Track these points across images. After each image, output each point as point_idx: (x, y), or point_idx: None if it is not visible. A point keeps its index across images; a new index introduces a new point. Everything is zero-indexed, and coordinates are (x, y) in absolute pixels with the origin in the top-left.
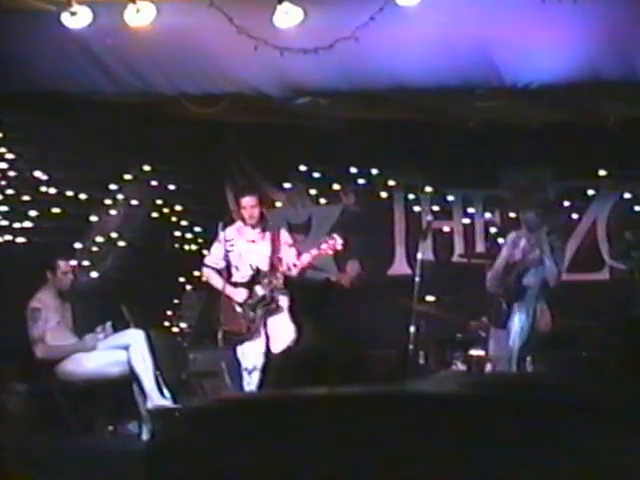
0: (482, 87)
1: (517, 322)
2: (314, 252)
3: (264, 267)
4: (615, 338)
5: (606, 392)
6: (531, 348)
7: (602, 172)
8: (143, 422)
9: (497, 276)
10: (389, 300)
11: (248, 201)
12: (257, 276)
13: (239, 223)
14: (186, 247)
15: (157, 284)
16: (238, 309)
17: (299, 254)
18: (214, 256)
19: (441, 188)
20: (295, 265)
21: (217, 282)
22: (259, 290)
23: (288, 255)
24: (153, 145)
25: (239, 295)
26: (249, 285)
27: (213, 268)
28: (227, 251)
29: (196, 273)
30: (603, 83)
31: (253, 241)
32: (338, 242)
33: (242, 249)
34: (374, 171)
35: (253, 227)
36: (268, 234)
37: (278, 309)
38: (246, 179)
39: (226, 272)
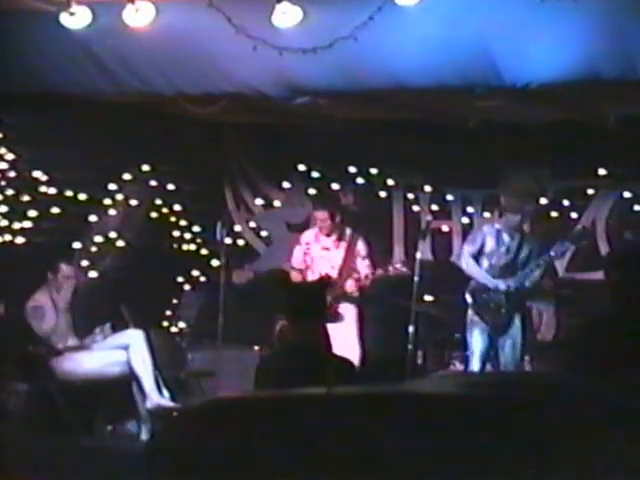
0: (481, 87)
1: (519, 326)
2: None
3: (333, 275)
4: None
5: (605, 391)
6: (535, 349)
7: (602, 171)
8: (142, 422)
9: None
10: (387, 300)
11: (320, 215)
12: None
13: (317, 229)
14: (185, 247)
15: (156, 284)
16: None
17: (373, 266)
18: (297, 257)
19: (440, 188)
20: (367, 277)
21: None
22: None
23: (362, 267)
24: (152, 145)
25: None
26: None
27: (296, 269)
28: (304, 254)
29: (195, 273)
30: (603, 82)
31: (327, 249)
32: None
33: (315, 254)
34: (373, 171)
35: (328, 235)
36: (343, 244)
37: (338, 318)
38: (245, 179)
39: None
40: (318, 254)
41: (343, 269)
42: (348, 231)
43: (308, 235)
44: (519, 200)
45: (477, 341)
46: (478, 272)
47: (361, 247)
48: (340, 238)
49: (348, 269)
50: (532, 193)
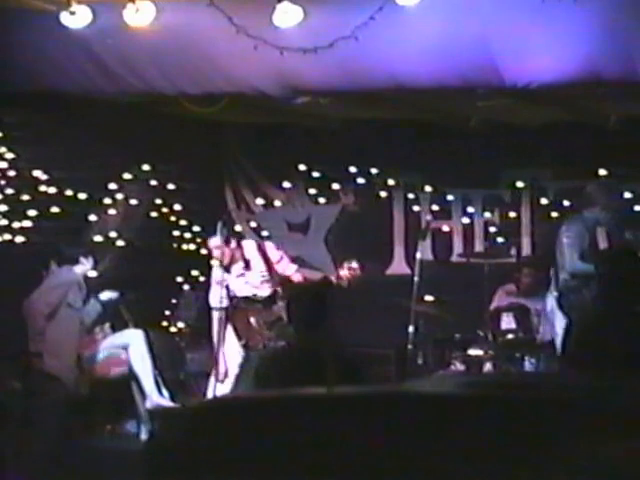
0: (482, 87)
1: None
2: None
3: (264, 290)
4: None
5: (606, 391)
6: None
7: (602, 172)
8: (142, 422)
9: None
10: (387, 300)
11: (213, 243)
12: (274, 296)
13: (217, 272)
14: (185, 247)
15: (156, 284)
16: (254, 324)
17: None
18: (215, 300)
19: (440, 188)
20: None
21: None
22: (277, 310)
23: (285, 269)
24: (152, 144)
25: (254, 312)
26: (265, 303)
27: (217, 309)
28: (227, 290)
29: (194, 273)
30: (603, 82)
31: (242, 274)
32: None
33: (236, 286)
34: (373, 171)
35: (230, 265)
36: (254, 259)
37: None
38: (245, 179)
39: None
40: (238, 286)
41: (273, 278)
42: (249, 244)
43: (217, 273)
44: (603, 195)
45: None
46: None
47: (272, 252)
48: (245, 258)
49: (276, 277)
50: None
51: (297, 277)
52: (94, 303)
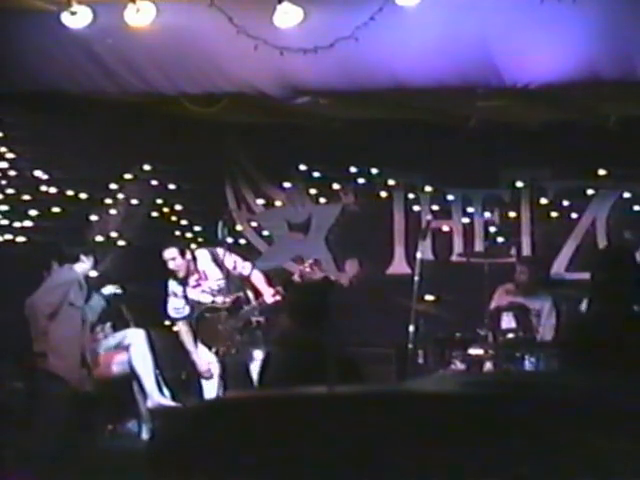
0: (482, 87)
1: None
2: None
3: (222, 298)
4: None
5: (605, 390)
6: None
7: (602, 172)
8: (143, 421)
9: None
10: (388, 299)
11: (168, 254)
12: (239, 301)
13: (173, 284)
14: None
15: (157, 283)
16: (222, 331)
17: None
18: (172, 311)
19: (440, 188)
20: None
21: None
22: (243, 314)
23: (242, 268)
24: (153, 145)
25: (220, 319)
26: (231, 309)
27: (180, 319)
28: (187, 300)
29: None
30: (603, 83)
31: (199, 284)
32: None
33: (194, 296)
34: (374, 170)
35: (187, 278)
36: (207, 271)
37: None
38: (246, 179)
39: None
40: (196, 295)
41: (234, 284)
42: (203, 254)
43: (172, 284)
44: None
45: None
46: None
47: (226, 259)
48: (198, 271)
49: (237, 282)
50: None
51: (256, 275)
52: (98, 299)
